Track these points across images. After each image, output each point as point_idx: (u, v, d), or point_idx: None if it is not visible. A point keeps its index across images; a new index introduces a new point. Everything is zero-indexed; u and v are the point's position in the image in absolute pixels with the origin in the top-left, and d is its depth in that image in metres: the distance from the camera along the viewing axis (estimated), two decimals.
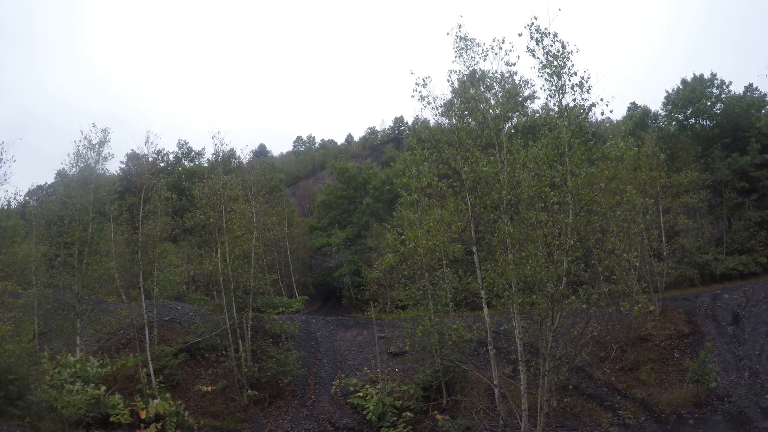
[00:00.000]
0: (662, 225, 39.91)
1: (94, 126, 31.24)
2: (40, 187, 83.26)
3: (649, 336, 32.51)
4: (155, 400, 25.99)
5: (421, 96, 20.06)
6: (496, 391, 21.32)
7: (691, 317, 34.11)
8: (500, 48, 19.83)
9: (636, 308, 25.00)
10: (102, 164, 32.39)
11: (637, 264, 30.46)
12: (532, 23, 18.16)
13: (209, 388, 29.49)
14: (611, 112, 57.23)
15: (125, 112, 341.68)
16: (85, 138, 31.11)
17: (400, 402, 28.28)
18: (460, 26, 20.55)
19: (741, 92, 53.09)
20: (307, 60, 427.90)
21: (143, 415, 24.97)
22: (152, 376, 28.81)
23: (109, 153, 32.15)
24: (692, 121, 50.88)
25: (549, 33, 18.07)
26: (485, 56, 20.12)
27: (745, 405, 25.73)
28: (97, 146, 31.50)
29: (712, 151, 48.12)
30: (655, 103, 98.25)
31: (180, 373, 30.76)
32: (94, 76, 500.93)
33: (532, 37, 18.25)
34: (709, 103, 49.71)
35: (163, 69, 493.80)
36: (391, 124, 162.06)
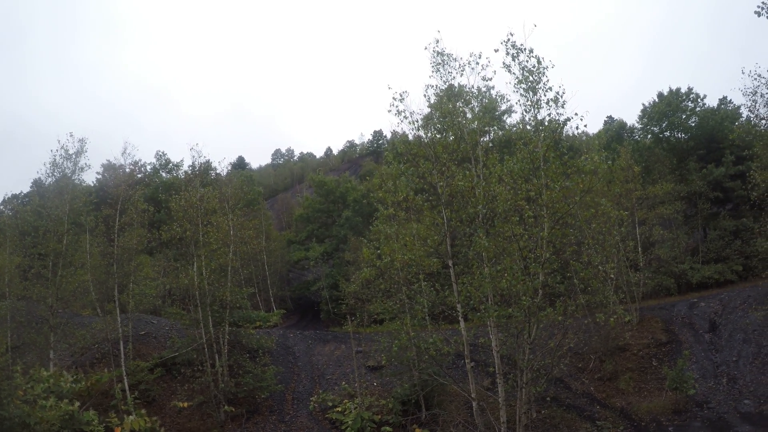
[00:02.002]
0: (638, 236, 40.34)
1: (71, 135, 30.85)
2: (15, 196, 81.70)
3: (627, 345, 32.71)
4: (130, 417, 25.56)
5: (398, 110, 20.13)
6: (474, 404, 21.28)
7: (668, 326, 34.43)
8: (477, 63, 20.00)
9: (612, 319, 25.17)
10: (78, 174, 31.96)
11: (612, 276, 30.73)
12: (508, 39, 18.36)
13: (185, 404, 29.04)
14: (585, 126, 58.11)
15: (106, 124, 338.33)
16: (61, 147, 30.68)
17: (379, 416, 28.07)
18: (437, 41, 20.70)
19: (715, 105, 54.10)
20: (287, 73, 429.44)
21: (118, 431, 24.54)
22: (127, 392, 28.30)
23: (85, 163, 31.73)
24: (668, 133, 51.76)
25: (525, 49, 18.31)
26: (462, 71, 20.27)
27: (724, 411, 26.01)
28: (73, 156, 31.05)
29: (688, 163, 48.92)
30: (631, 117, 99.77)
31: (155, 389, 30.28)
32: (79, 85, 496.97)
33: (508, 53, 18.47)
34: (684, 116, 50.64)
35: (142, 83, 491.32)
36: (370, 138, 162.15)
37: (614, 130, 64.93)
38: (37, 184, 70.26)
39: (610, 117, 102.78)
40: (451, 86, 20.66)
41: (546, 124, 18.31)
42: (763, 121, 33.18)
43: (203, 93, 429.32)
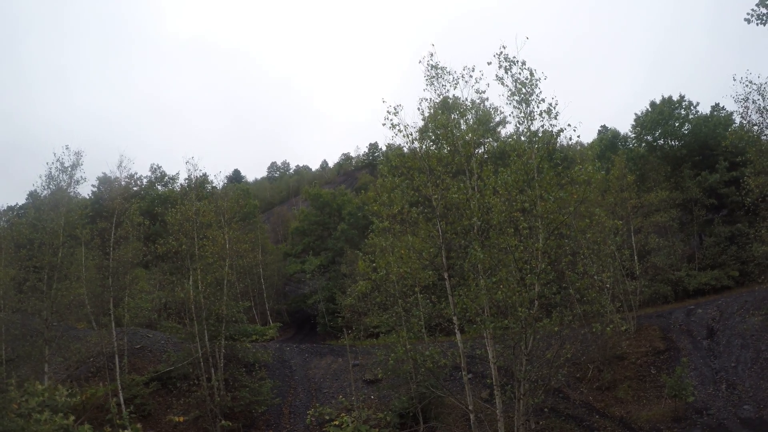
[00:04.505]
0: (634, 245, 40.41)
1: (67, 148, 30.84)
2: (10, 208, 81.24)
3: (625, 354, 32.68)
4: (126, 431, 25.40)
5: (392, 124, 20.11)
6: (472, 416, 21.18)
7: (666, 333, 34.42)
8: (470, 76, 20.05)
9: (609, 328, 25.10)
10: (74, 187, 31.90)
11: (608, 286, 30.74)
12: (501, 52, 18.42)
13: (181, 419, 28.89)
14: (578, 137, 58.73)
15: (94, 138, 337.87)
16: (57, 160, 30.65)
17: (377, 430, 27.94)
18: (431, 55, 20.73)
19: (708, 112, 54.27)
20: (283, 86, 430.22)
21: None
22: (123, 406, 28.18)
23: (81, 176, 31.69)
24: (661, 141, 51.93)
25: (517, 61, 18.38)
26: (456, 84, 20.32)
27: (724, 417, 25.99)
28: (69, 169, 31.01)
29: (682, 170, 49.09)
30: (625, 126, 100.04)
31: (151, 403, 30.13)
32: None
33: (501, 66, 18.52)
34: (677, 124, 50.83)
35: (136, 95, 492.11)
36: (366, 151, 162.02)
37: (608, 139, 65.11)
38: (32, 196, 69.94)
39: (604, 126, 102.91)
40: (445, 99, 20.71)
41: (539, 135, 18.35)
42: (756, 127, 33.44)
43: (201, 106, 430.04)
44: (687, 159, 49.74)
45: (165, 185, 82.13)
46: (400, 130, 20.14)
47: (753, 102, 32.14)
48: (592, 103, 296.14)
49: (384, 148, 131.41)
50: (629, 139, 58.74)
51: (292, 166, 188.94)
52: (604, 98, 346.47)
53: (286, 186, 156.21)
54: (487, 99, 43.12)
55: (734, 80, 32.33)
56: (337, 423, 29.28)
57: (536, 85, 18.25)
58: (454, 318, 20.10)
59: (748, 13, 19.22)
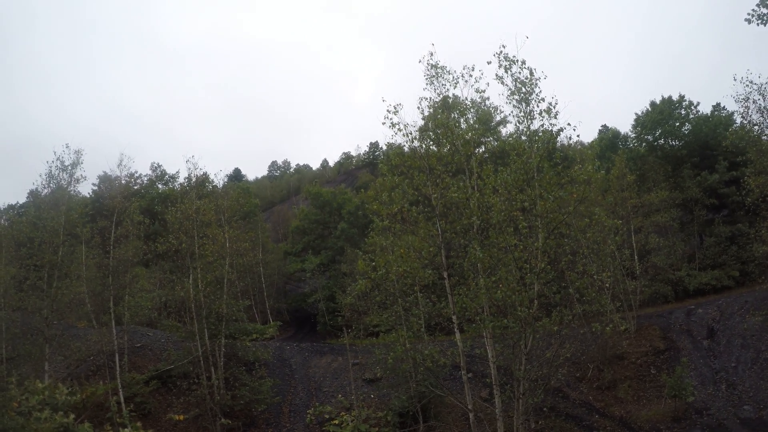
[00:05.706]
0: (634, 244, 40.39)
1: (67, 146, 30.88)
2: (11, 207, 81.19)
3: (625, 354, 32.71)
4: (126, 429, 25.38)
5: (392, 123, 20.10)
6: (471, 415, 21.18)
7: (666, 333, 34.44)
8: (470, 75, 20.00)
9: (609, 328, 25.09)
10: (74, 186, 31.94)
11: (608, 285, 30.77)
12: (501, 51, 18.40)
13: (181, 417, 28.93)
14: (578, 136, 58.69)
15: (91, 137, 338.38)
16: (57, 159, 30.69)
17: (377, 429, 27.99)
18: (431, 54, 20.70)
19: (709, 112, 54.23)
20: (284, 85, 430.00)
21: None
22: (123, 405, 28.21)
23: (81, 175, 31.74)
24: (661, 141, 51.88)
25: (517, 60, 18.37)
26: (456, 83, 20.27)
27: (724, 417, 26.02)
28: (69, 167, 31.06)
29: (682, 170, 49.07)
30: (625, 126, 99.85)
31: (151, 402, 30.17)
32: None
33: (500, 65, 18.51)
34: (677, 124, 50.82)
35: (136, 94, 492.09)
36: (366, 150, 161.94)
37: (608, 139, 65.13)
38: (33, 194, 69.92)
39: (604, 126, 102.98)
40: (445, 98, 20.68)
41: (539, 134, 18.36)
42: (756, 127, 33.44)
43: (201, 102, 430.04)
44: (687, 159, 49.74)
45: (165, 184, 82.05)
46: (399, 129, 20.15)
47: (754, 102, 32.17)
48: (591, 103, 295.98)
49: (384, 147, 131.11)
50: (629, 139, 58.72)
51: (293, 164, 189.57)
52: (603, 97, 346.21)
53: (287, 185, 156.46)
54: (488, 98, 43.08)
55: (735, 80, 32.32)
56: (336, 422, 29.33)
57: (536, 84, 18.26)
58: (454, 317, 20.10)
59: (748, 14, 19.08)
